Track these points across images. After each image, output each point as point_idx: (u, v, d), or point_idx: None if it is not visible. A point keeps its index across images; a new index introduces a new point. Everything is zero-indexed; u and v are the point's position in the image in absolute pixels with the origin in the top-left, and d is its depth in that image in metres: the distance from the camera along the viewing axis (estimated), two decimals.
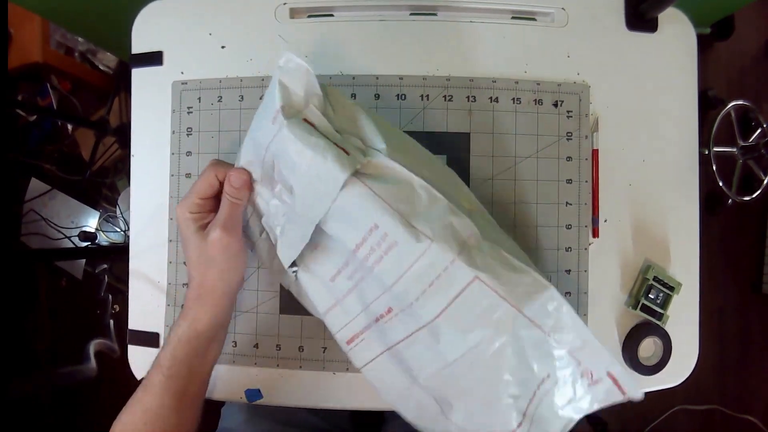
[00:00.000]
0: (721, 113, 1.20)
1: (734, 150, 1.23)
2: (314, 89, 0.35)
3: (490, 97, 0.47)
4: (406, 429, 0.56)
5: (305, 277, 0.39)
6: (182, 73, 0.49)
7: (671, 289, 0.47)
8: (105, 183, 1.36)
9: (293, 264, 0.38)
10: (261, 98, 0.47)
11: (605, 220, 0.48)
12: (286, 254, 0.37)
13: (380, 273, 0.33)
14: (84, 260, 1.35)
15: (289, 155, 0.33)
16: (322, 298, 0.38)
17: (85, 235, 1.14)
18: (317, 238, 0.36)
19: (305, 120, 0.34)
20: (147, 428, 0.38)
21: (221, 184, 0.38)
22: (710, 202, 1.27)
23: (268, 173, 0.37)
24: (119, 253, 1.22)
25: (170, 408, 0.38)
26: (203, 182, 0.38)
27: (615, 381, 0.33)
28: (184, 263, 0.48)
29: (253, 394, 0.48)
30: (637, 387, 0.33)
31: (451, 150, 0.47)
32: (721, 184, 1.20)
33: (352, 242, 0.34)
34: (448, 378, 0.35)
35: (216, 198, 0.39)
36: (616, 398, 0.33)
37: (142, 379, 0.40)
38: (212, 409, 0.56)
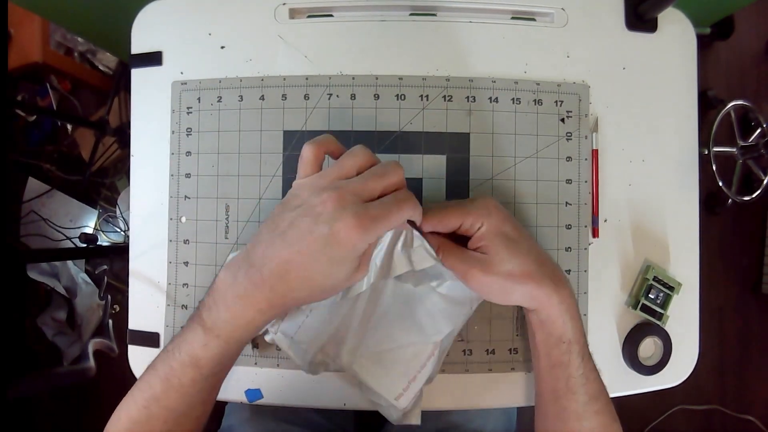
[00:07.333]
0: (721, 113, 1.20)
1: (734, 150, 1.23)
2: None
3: (490, 98, 0.47)
4: (406, 430, 0.56)
5: None
6: (182, 73, 0.49)
7: (671, 289, 0.47)
8: (105, 183, 1.36)
9: None
10: (261, 98, 0.48)
11: (605, 220, 0.48)
12: None
13: None
14: (84, 260, 1.35)
15: None
16: None
17: (86, 238, 1.14)
18: None
19: None
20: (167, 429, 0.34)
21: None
22: (710, 202, 1.27)
23: None
24: (119, 253, 1.22)
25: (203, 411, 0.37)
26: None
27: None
28: (185, 263, 0.48)
29: (254, 394, 0.48)
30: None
31: (450, 150, 0.47)
32: (721, 184, 1.20)
33: None
34: None
35: None
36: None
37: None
38: (215, 406, 0.57)
